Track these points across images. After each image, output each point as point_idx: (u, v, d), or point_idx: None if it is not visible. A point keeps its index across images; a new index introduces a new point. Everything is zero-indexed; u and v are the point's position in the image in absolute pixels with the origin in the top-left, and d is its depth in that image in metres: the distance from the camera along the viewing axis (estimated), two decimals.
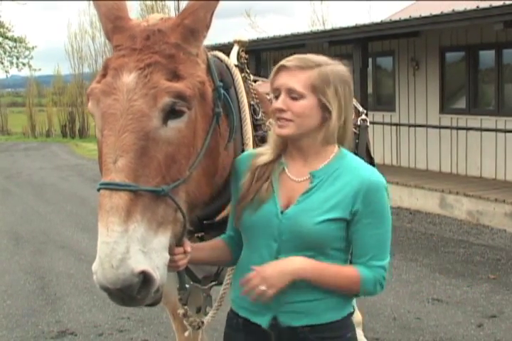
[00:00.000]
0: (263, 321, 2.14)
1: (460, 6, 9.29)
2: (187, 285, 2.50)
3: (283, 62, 2.12)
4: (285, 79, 2.09)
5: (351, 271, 2.09)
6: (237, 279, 2.21)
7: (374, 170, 2.15)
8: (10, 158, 21.51)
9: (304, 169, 2.15)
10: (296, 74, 2.08)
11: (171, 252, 2.05)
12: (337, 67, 2.15)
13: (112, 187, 1.87)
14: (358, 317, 4.55)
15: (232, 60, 2.76)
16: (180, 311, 2.56)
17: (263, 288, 2.01)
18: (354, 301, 2.26)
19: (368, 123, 3.78)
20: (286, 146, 2.19)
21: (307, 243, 2.06)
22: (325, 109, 2.09)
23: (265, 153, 2.21)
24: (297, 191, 2.12)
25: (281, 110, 2.07)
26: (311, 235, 2.05)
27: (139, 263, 1.83)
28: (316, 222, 2.05)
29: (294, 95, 2.07)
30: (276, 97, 2.11)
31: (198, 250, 2.23)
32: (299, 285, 2.07)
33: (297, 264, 2.05)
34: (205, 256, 2.28)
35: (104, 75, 2.04)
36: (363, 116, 3.76)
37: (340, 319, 2.14)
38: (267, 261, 2.10)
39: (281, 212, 2.11)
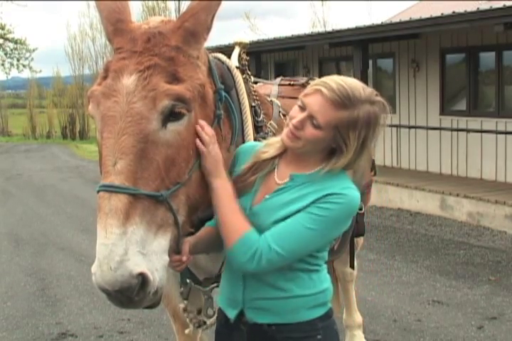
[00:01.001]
0: (232, 315, 2.19)
1: (460, 8, 9.29)
2: (187, 280, 2.50)
3: (323, 86, 2.02)
4: (315, 105, 2.02)
5: (245, 225, 2.05)
6: (222, 275, 2.30)
7: (355, 189, 2.08)
8: (10, 159, 21.52)
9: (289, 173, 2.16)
10: (328, 106, 2.01)
11: (169, 257, 2.05)
12: (371, 110, 2.05)
13: (112, 189, 1.88)
14: (358, 318, 4.56)
15: (233, 61, 2.76)
16: (181, 305, 2.57)
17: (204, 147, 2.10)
18: (329, 305, 2.24)
19: None
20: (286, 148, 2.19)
21: None
22: (336, 144, 2.06)
23: (274, 145, 2.20)
24: (272, 191, 2.15)
25: (295, 127, 2.05)
26: None
27: (137, 265, 1.84)
28: (273, 220, 2.07)
29: (314, 122, 2.03)
30: (300, 107, 2.07)
31: (198, 245, 2.21)
32: (264, 282, 2.10)
33: (218, 180, 2.11)
34: (204, 248, 2.28)
35: (105, 77, 2.05)
36: None
37: (308, 320, 2.14)
38: None
39: (250, 208, 2.14)
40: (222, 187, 2.11)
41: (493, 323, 5.25)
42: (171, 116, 1.99)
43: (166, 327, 5.15)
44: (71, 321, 5.55)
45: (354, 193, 2.07)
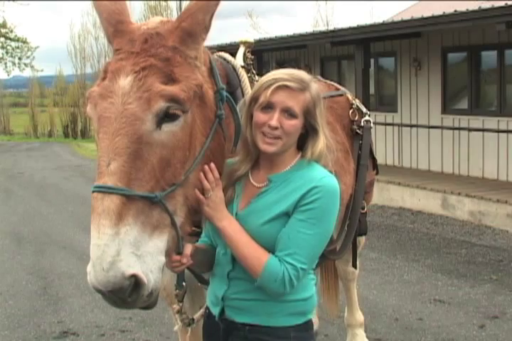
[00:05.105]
0: (216, 312, 2.25)
1: (462, 7, 9.28)
2: (184, 283, 2.51)
3: (283, 81, 2.12)
4: (284, 98, 2.11)
5: (263, 253, 2.09)
6: (211, 274, 2.34)
7: (331, 176, 2.16)
8: (12, 158, 21.53)
9: (265, 175, 2.21)
10: (296, 95, 2.12)
11: (169, 257, 2.06)
12: (316, 85, 2.20)
13: (104, 190, 1.88)
14: (359, 317, 4.56)
15: (238, 60, 2.76)
16: (176, 307, 2.58)
17: (204, 199, 2.13)
18: (309, 316, 2.26)
19: (372, 124, 3.78)
20: (257, 156, 2.23)
21: (260, 243, 2.11)
22: (303, 129, 2.16)
23: (241, 163, 2.24)
24: (255, 195, 2.19)
25: (274, 127, 2.09)
26: (259, 235, 2.11)
27: (130, 267, 1.84)
28: (262, 222, 2.11)
29: (290, 114, 2.10)
30: (264, 108, 2.12)
31: (196, 256, 2.22)
32: (248, 284, 2.13)
33: (224, 221, 2.13)
34: (200, 261, 2.29)
35: (103, 78, 2.05)
36: (367, 117, 3.76)
37: (282, 327, 2.17)
38: (224, 258, 2.21)
39: (236, 213, 2.18)
40: (229, 227, 2.13)
41: (495, 322, 5.25)
42: (165, 116, 1.98)
43: (167, 326, 5.16)
44: (73, 320, 5.55)
45: (331, 181, 2.14)
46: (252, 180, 2.22)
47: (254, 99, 2.15)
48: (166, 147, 1.99)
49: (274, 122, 2.09)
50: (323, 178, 2.13)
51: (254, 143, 2.17)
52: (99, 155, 1.94)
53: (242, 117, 2.24)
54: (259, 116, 2.12)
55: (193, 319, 2.63)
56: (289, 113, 2.10)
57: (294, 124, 2.11)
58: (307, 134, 2.19)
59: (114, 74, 2.01)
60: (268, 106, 2.11)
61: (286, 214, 2.10)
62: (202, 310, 2.61)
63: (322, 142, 2.18)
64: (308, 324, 2.24)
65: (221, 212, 2.15)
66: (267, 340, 2.16)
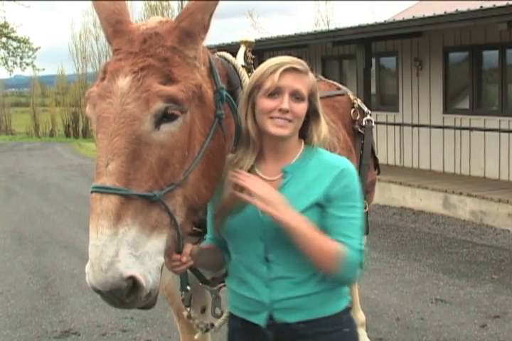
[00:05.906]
0: (260, 320, 2.16)
1: (463, 6, 9.28)
2: (188, 287, 2.50)
3: (288, 64, 2.13)
4: (292, 82, 2.11)
5: (334, 243, 2.05)
6: (231, 282, 2.26)
7: (343, 158, 2.21)
8: (13, 157, 21.54)
9: (275, 168, 2.18)
10: (301, 77, 2.13)
11: (169, 257, 2.05)
12: (311, 73, 2.22)
13: (103, 190, 1.87)
14: (361, 317, 4.56)
15: (239, 60, 2.76)
16: (184, 313, 2.55)
17: (259, 202, 2.05)
18: (349, 297, 2.27)
19: (373, 124, 3.78)
20: (261, 147, 2.20)
21: None
22: (312, 110, 2.18)
23: (244, 157, 2.20)
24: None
25: (285, 111, 2.08)
26: None
27: (128, 268, 1.83)
28: None
29: (298, 97, 2.11)
30: (270, 95, 2.11)
31: (201, 257, 2.20)
32: (291, 282, 2.11)
33: (290, 217, 2.04)
34: (208, 262, 2.28)
35: (103, 79, 2.04)
36: (368, 117, 3.76)
37: (335, 314, 2.17)
38: (255, 261, 2.14)
39: (261, 212, 2.11)
40: (293, 220, 2.04)
41: (496, 322, 5.25)
42: (164, 117, 1.98)
43: (168, 325, 5.16)
44: (74, 319, 5.56)
45: (348, 162, 2.19)
46: (261, 174, 2.18)
47: (257, 86, 2.14)
48: (165, 147, 1.98)
49: (285, 105, 2.09)
50: (343, 161, 2.17)
51: (258, 133, 2.15)
52: (98, 155, 1.94)
53: (241, 109, 2.21)
54: (266, 102, 2.11)
55: (212, 324, 2.59)
56: (296, 96, 2.10)
57: (303, 108, 2.12)
58: (308, 120, 2.19)
59: (112, 74, 2.00)
60: (275, 92, 2.10)
61: (318, 204, 2.09)
62: (224, 316, 2.52)
63: (324, 126, 2.20)
64: (350, 303, 2.26)
65: (282, 206, 2.06)
66: (326, 331, 2.15)
